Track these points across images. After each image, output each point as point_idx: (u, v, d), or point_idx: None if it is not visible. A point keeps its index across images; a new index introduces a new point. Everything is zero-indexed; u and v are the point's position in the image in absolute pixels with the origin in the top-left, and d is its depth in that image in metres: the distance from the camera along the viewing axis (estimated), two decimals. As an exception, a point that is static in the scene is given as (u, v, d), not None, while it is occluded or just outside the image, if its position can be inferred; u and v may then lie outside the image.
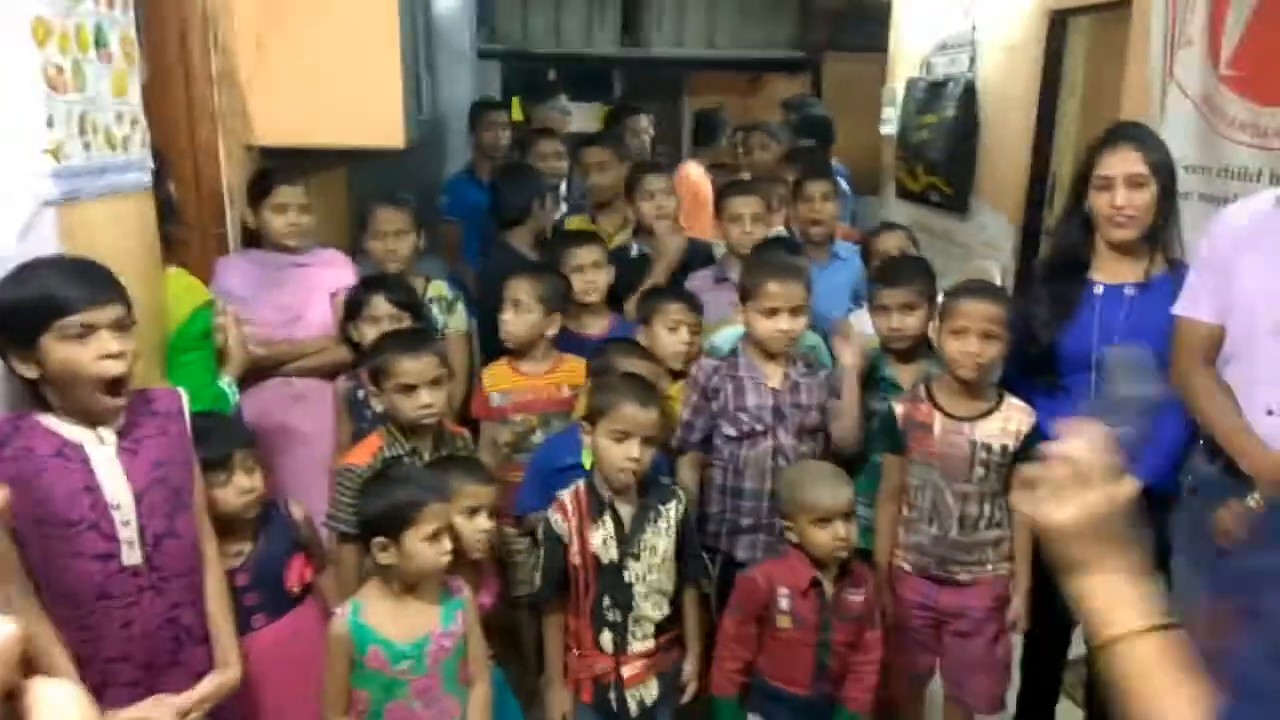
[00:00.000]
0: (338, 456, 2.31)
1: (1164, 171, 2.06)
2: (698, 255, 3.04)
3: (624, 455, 1.89)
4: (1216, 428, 1.89)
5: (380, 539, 1.74)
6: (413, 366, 2.04)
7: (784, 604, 1.94)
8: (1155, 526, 2.04)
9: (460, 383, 2.62)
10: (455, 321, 2.74)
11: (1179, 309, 1.98)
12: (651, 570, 1.94)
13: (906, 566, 2.18)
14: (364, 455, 2.09)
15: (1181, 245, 2.15)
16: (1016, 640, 2.28)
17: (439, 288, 2.77)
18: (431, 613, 1.80)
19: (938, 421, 2.10)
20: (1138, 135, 2.11)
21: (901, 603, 2.18)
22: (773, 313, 2.20)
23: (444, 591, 1.82)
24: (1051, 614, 2.17)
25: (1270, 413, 1.81)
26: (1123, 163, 2.05)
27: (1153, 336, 1.99)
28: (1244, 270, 1.85)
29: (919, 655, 2.21)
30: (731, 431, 2.23)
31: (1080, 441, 0.92)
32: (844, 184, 3.98)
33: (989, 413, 2.08)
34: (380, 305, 2.40)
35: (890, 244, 2.95)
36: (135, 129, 1.92)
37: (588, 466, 2.07)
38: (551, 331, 2.49)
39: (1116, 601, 0.89)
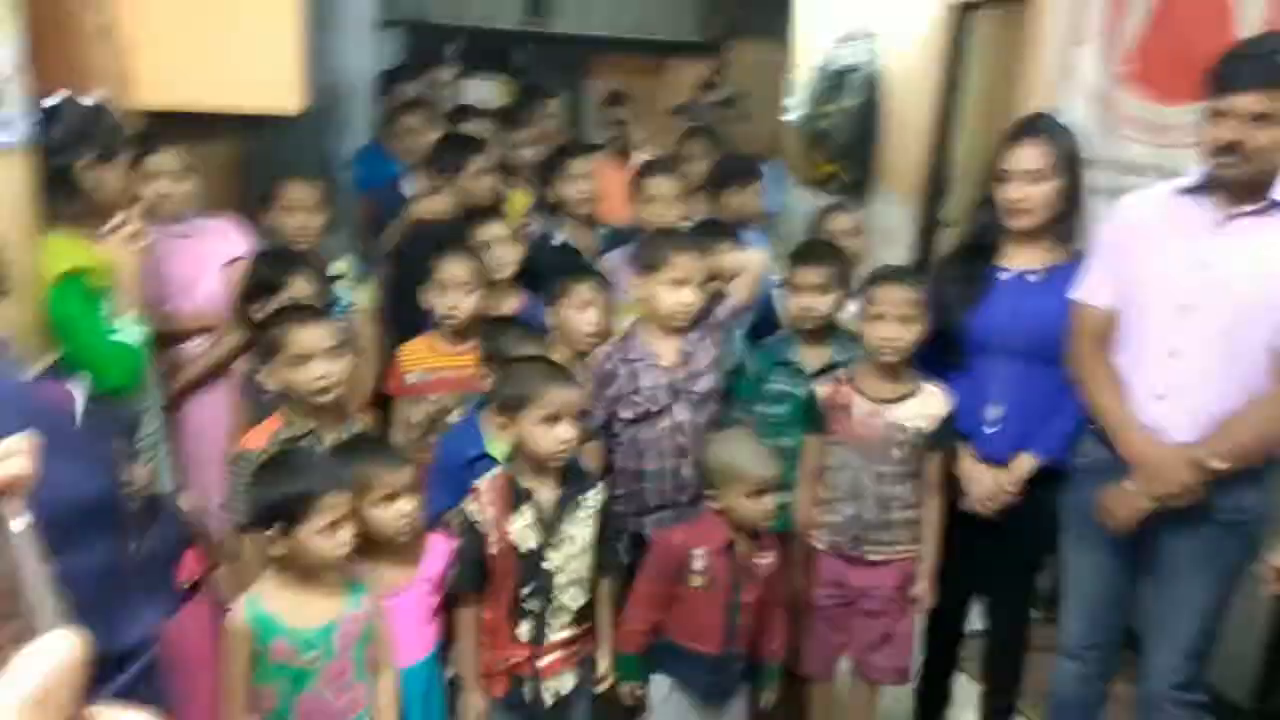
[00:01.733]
0: (233, 441, 2.19)
1: (1067, 165, 2.11)
2: (614, 240, 3.01)
3: (557, 439, 1.85)
4: (1102, 412, 1.98)
5: (271, 530, 1.65)
6: (306, 336, 1.96)
7: (698, 564, 1.97)
8: (1050, 504, 2.14)
9: (371, 361, 2.52)
10: (363, 297, 2.63)
11: (1076, 294, 2.05)
12: (572, 559, 1.91)
13: (821, 545, 2.21)
14: (260, 438, 1.98)
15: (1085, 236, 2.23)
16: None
17: (343, 264, 2.66)
18: (336, 596, 1.73)
19: (858, 404, 2.13)
20: (1043, 129, 2.16)
21: (815, 581, 2.22)
22: (676, 284, 2.20)
23: (348, 579, 1.75)
24: (951, 591, 2.26)
25: (1160, 397, 1.90)
26: (1024, 157, 2.09)
27: (1055, 322, 2.08)
28: (1140, 257, 1.93)
29: (830, 633, 2.25)
30: (629, 414, 2.23)
31: None
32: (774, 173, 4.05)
33: (907, 396, 2.13)
34: (302, 286, 2.27)
35: (839, 225, 2.96)
36: (7, 86, 1.76)
37: (499, 456, 2.02)
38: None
39: None
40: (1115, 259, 1.99)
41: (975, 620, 2.44)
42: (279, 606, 1.68)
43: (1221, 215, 1.84)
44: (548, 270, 2.70)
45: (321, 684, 1.69)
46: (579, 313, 2.37)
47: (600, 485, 1.99)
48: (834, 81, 4.57)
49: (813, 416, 2.20)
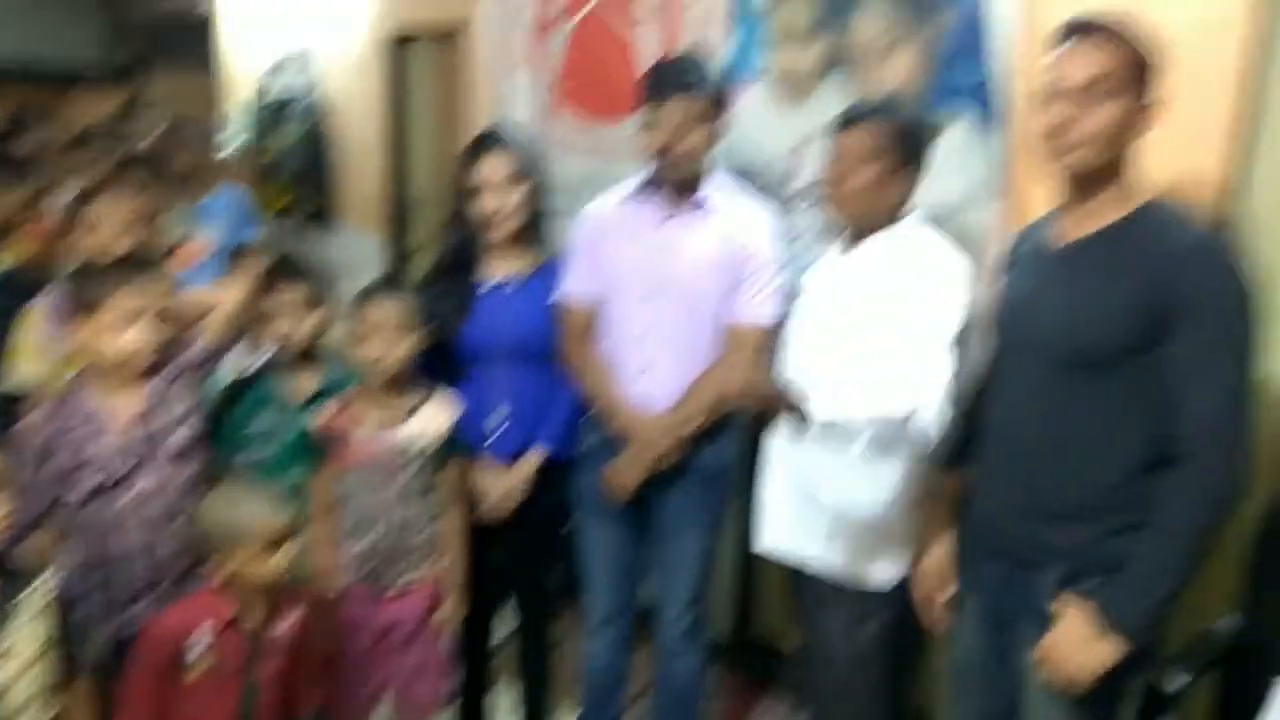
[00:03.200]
0: None
1: (529, 172, 2.21)
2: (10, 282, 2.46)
3: None
4: (594, 397, 2.14)
5: None
6: None
7: (198, 649, 1.70)
8: (559, 495, 2.24)
9: None
10: None
11: (559, 295, 2.18)
12: (20, 676, 1.49)
13: (339, 586, 2.05)
14: None
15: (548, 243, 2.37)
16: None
17: None
18: None
19: (358, 429, 2.01)
20: (501, 139, 2.24)
21: (341, 623, 2.05)
22: (123, 323, 1.86)
23: None
24: (478, 602, 2.25)
25: (639, 375, 2.10)
26: (491, 169, 2.15)
27: (537, 324, 2.19)
28: (607, 255, 2.11)
29: (363, 677, 2.09)
30: (77, 495, 1.85)
31: None
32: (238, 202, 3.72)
33: (409, 413, 2.05)
34: None
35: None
36: None
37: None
38: None
39: None
40: (587, 260, 2.15)
41: (503, 626, 2.46)
42: None
43: (663, 214, 2.08)
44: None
45: None
46: None
47: (43, 580, 1.60)
48: (275, 112, 4.35)
49: (311, 451, 2.02)
